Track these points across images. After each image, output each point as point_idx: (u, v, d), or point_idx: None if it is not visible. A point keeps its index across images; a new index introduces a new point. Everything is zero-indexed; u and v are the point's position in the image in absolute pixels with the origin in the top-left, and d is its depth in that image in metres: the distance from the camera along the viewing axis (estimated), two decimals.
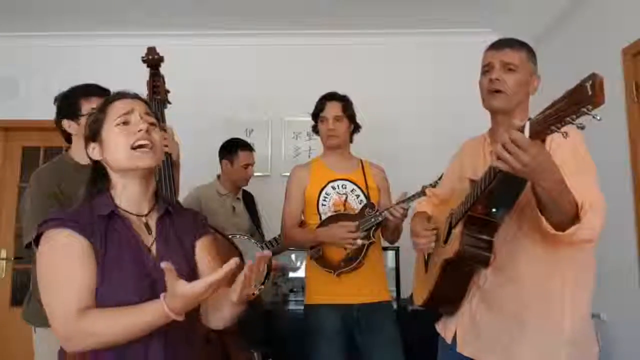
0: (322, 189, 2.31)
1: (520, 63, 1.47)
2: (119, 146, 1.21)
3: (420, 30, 3.74)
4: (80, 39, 3.79)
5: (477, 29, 3.57)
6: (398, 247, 2.90)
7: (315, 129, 2.42)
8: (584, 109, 0.89)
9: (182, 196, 2.42)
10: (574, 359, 1.38)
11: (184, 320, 1.10)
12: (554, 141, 1.25)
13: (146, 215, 1.27)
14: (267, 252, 1.18)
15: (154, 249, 1.24)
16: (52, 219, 1.17)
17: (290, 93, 3.74)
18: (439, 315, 1.65)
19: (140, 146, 1.20)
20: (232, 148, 2.99)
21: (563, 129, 0.95)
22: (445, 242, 1.51)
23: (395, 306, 2.81)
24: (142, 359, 1.14)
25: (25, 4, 3.37)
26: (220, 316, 1.29)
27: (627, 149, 2.43)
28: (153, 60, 2.07)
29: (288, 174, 3.70)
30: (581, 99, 0.89)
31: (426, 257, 1.69)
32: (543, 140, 1.06)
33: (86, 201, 1.25)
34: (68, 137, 1.91)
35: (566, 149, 1.27)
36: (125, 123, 1.22)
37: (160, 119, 2.00)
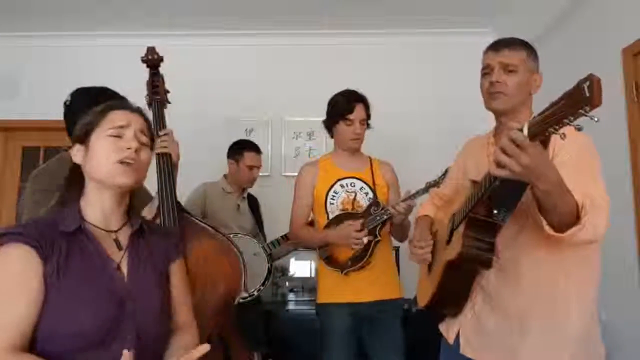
0: (331, 188, 2.31)
1: (519, 63, 1.46)
2: (103, 158, 1.16)
3: (421, 30, 3.74)
4: (80, 39, 3.79)
5: (477, 29, 3.57)
6: (398, 247, 2.90)
7: (329, 127, 2.37)
8: (582, 110, 0.89)
9: (180, 192, 2.42)
10: (579, 359, 1.37)
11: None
12: (558, 141, 1.25)
13: (116, 231, 1.20)
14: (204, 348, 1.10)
15: (123, 266, 1.16)
16: (11, 233, 1.07)
17: (290, 93, 3.75)
18: (442, 316, 1.64)
19: (125, 163, 1.16)
20: (239, 148, 2.99)
21: (561, 130, 0.95)
22: (448, 243, 1.50)
23: None
24: None
25: (25, 4, 3.37)
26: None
27: (627, 149, 2.43)
28: (153, 60, 2.06)
29: (288, 174, 3.76)
30: (579, 100, 0.89)
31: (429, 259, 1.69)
32: (545, 142, 1.06)
33: (53, 211, 1.18)
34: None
35: (572, 149, 1.27)
36: (118, 136, 1.18)
37: (160, 120, 1.99)
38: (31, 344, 1.02)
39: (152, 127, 1.97)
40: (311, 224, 2.41)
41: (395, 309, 2.28)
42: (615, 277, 2.49)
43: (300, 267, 3.47)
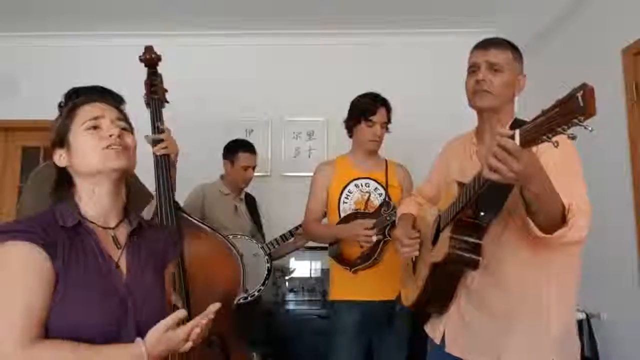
0: (345, 187, 2.36)
1: (506, 63, 1.48)
2: (89, 148, 1.14)
3: (421, 30, 3.73)
4: (80, 39, 3.79)
5: (477, 29, 3.55)
6: None
7: (350, 127, 2.40)
8: (576, 120, 0.89)
9: (180, 192, 2.42)
10: (562, 357, 1.40)
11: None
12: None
13: (114, 228, 1.18)
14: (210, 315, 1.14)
15: (122, 264, 1.14)
16: (6, 231, 1.04)
17: (290, 93, 3.74)
18: (427, 317, 1.66)
19: (112, 148, 1.14)
20: (234, 148, 2.99)
21: (554, 139, 0.96)
22: (433, 244, 1.52)
23: None
24: None
25: (25, 4, 3.37)
26: None
27: (627, 149, 2.43)
28: (151, 60, 2.06)
29: (288, 174, 3.76)
30: (573, 110, 0.89)
31: (413, 258, 1.70)
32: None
33: (49, 210, 1.15)
34: None
35: (555, 151, 1.28)
36: (96, 127, 1.15)
37: (158, 118, 1.99)
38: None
39: (151, 126, 1.98)
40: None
41: (403, 309, 2.30)
42: (615, 277, 2.49)
43: (300, 267, 3.47)
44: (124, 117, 1.24)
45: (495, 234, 1.41)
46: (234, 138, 3.11)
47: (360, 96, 2.41)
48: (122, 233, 1.19)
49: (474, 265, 1.37)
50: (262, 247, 2.82)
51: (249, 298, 2.68)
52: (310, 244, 2.86)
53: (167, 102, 2.09)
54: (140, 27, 3.57)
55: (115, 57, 3.58)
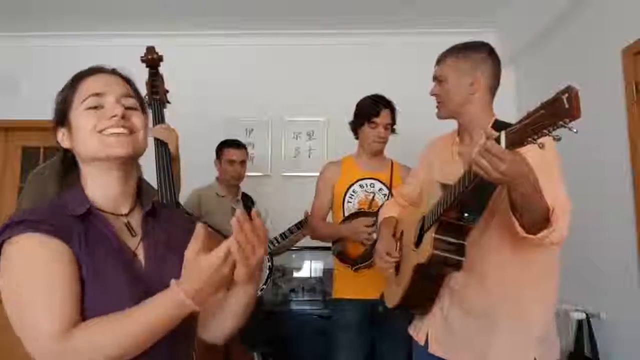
0: (350, 187, 2.40)
1: (446, 73, 1.56)
2: (87, 134, 0.99)
3: (420, 30, 3.73)
4: (80, 39, 3.78)
5: (477, 29, 3.56)
6: None
7: (354, 128, 2.44)
8: (561, 122, 0.91)
9: (184, 193, 2.42)
10: (543, 356, 1.41)
11: (188, 327, 0.97)
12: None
13: (127, 214, 1.05)
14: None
15: (140, 253, 1.02)
16: (16, 222, 0.92)
17: (290, 93, 3.74)
18: (411, 318, 1.68)
19: (114, 134, 0.99)
20: (219, 147, 3.01)
21: (540, 141, 0.97)
22: (417, 245, 1.52)
23: None
24: None
25: (25, 4, 3.37)
26: (221, 326, 1.09)
27: (627, 149, 2.43)
28: (152, 60, 2.07)
29: (288, 174, 3.76)
30: (558, 112, 0.90)
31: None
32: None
33: (55, 198, 1.04)
34: None
35: (534, 152, 1.30)
36: (97, 107, 1.01)
37: (159, 119, 2.00)
38: None
39: (153, 126, 1.98)
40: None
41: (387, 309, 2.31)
42: (615, 277, 2.49)
43: (301, 267, 3.47)
44: (134, 93, 1.09)
45: (476, 235, 1.43)
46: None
47: (364, 98, 2.45)
48: (136, 220, 1.06)
49: (458, 266, 1.39)
50: None
51: None
52: (311, 243, 2.86)
53: (169, 102, 2.10)
54: (141, 27, 3.58)
55: (115, 57, 3.52)
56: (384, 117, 2.37)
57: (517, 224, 1.25)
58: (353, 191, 2.38)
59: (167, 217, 1.13)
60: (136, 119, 1.04)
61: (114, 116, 0.99)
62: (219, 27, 3.68)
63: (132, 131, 1.01)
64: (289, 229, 2.85)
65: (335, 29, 3.72)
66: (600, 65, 2.62)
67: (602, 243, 2.58)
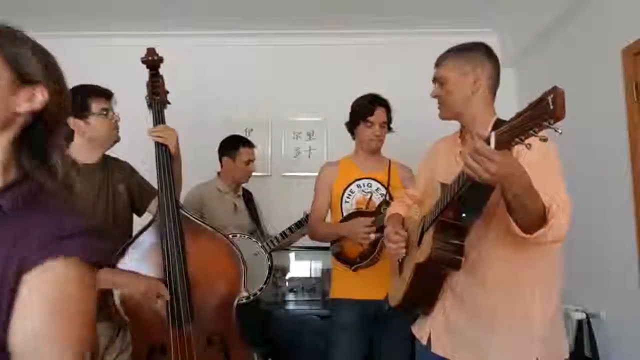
0: (347, 187, 2.39)
1: (446, 74, 1.56)
2: None
3: (421, 30, 3.73)
4: (80, 39, 3.78)
5: (477, 29, 3.56)
6: None
7: (351, 128, 2.44)
8: (546, 123, 0.92)
9: (184, 192, 2.43)
10: (546, 356, 1.41)
11: None
12: None
13: None
14: None
15: None
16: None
17: (290, 93, 3.75)
18: (414, 318, 1.68)
19: None
20: (234, 144, 2.98)
21: (527, 141, 0.99)
22: (419, 245, 1.54)
23: None
24: None
25: (25, 4, 3.37)
26: None
27: (627, 149, 2.43)
28: (152, 61, 2.07)
29: (288, 174, 3.76)
30: (543, 113, 0.92)
31: (400, 258, 1.72)
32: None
33: None
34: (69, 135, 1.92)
35: (534, 151, 1.31)
36: None
37: (160, 119, 2.01)
38: None
39: (153, 127, 1.99)
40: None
41: (391, 309, 2.31)
42: (615, 276, 2.49)
43: (300, 267, 3.47)
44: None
45: (478, 234, 1.43)
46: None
47: (359, 98, 2.45)
48: None
49: (457, 265, 1.39)
50: (263, 245, 2.82)
51: (251, 297, 2.67)
52: (311, 243, 2.86)
53: (169, 103, 2.10)
54: (141, 27, 3.57)
55: (115, 57, 3.58)
56: (379, 115, 2.37)
57: (513, 224, 1.25)
58: (350, 191, 2.38)
59: (18, 221, 0.77)
60: None
61: None
62: (219, 27, 3.68)
63: None
64: (288, 228, 2.85)
65: (335, 29, 3.72)
66: (600, 65, 2.63)
67: (602, 243, 2.58)
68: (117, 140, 1.99)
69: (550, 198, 1.24)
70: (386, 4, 3.37)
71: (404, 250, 1.63)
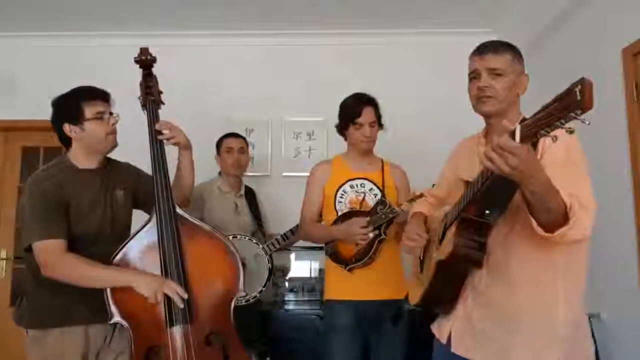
0: (340, 187, 2.35)
1: (506, 66, 1.47)
2: None
3: (420, 30, 3.73)
4: (80, 39, 3.78)
5: (477, 29, 3.56)
6: None
7: (341, 130, 2.39)
8: (573, 114, 0.90)
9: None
10: (568, 357, 1.39)
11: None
12: (546, 140, 1.26)
13: None
14: None
15: None
16: None
17: (290, 93, 3.75)
18: (434, 316, 1.66)
19: None
20: (218, 140, 3.03)
21: (553, 133, 0.96)
22: (441, 242, 1.51)
23: None
24: None
25: (25, 4, 3.37)
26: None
27: (627, 149, 2.43)
28: (146, 61, 2.06)
29: (288, 174, 3.76)
30: (570, 104, 0.90)
31: (421, 257, 1.70)
32: (535, 142, 1.07)
33: None
34: (65, 141, 1.90)
35: (560, 148, 1.28)
36: None
37: (155, 120, 2.00)
38: None
39: (148, 127, 1.99)
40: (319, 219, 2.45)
41: (399, 309, 2.30)
42: (616, 277, 2.49)
43: (300, 267, 3.47)
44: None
45: (502, 233, 1.40)
46: None
47: (345, 99, 2.38)
48: None
49: (479, 263, 1.37)
50: (263, 247, 2.81)
51: (251, 300, 2.66)
52: (311, 244, 2.86)
53: (163, 103, 2.09)
54: (141, 27, 3.58)
55: (115, 57, 3.57)
56: (366, 115, 2.29)
57: (534, 222, 1.23)
58: (343, 191, 2.34)
59: None
60: None
61: None
62: (219, 28, 3.68)
63: None
64: (290, 230, 2.84)
65: (336, 29, 3.72)
66: (600, 65, 2.62)
67: (602, 243, 2.57)
68: (115, 145, 1.93)
69: (571, 196, 1.21)
70: (385, 4, 3.37)
71: (418, 251, 1.61)
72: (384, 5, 3.39)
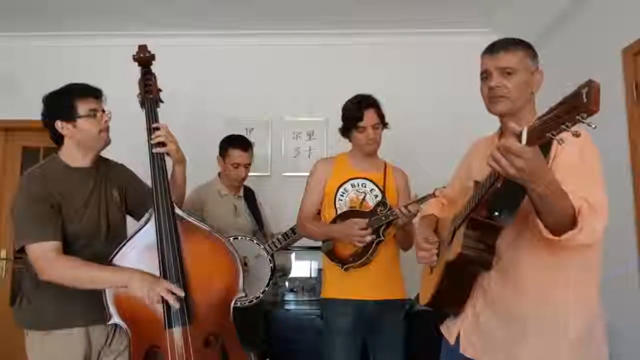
0: (341, 185, 2.35)
1: (517, 65, 1.44)
2: None
3: (420, 30, 3.73)
4: (80, 39, 3.79)
5: (477, 29, 3.56)
6: None
7: (345, 133, 2.37)
8: (579, 117, 0.88)
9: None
10: None
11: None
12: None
13: None
14: None
15: None
16: None
17: (290, 93, 3.75)
18: (443, 318, 1.65)
19: None
20: (225, 144, 2.92)
21: (559, 136, 0.95)
22: (450, 244, 1.50)
23: None
24: None
25: (25, 4, 3.37)
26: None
27: (627, 149, 2.43)
28: (144, 59, 2.04)
29: (288, 174, 3.76)
30: (576, 106, 0.88)
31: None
32: (546, 145, 1.05)
33: None
34: (57, 139, 1.88)
35: (573, 151, 1.26)
36: None
37: (153, 118, 1.98)
38: None
39: (147, 125, 1.97)
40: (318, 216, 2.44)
41: (396, 309, 2.30)
42: (616, 278, 2.48)
43: (300, 267, 3.46)
44: None
45: (512, 235, 1.39)
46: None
47: (347, 102, 2.36)
48: None
49: (487, 265, 1.35)
50: (265, 247, 2.80)
51: (254, 300, 2.65)
52: (312, 243, 2.86)
53: (162, 101, 2.07)
54: (141, 27, 3.57)
55: (115, 57, 3.55)
56: (369, 118, 2.27)
57: (541, 225, 1.21)
58: (344, 189, 2.34)
59: None
60: None
61: None
62: (219, 28, 3.68)
63: None
64: (291, 229, 2.83)
65: (335, 29, 3.72)
66: (600, 65, 2.62)
67: (602, 243, 2.57)
68: (108, 143, 1.90)
69: (582, 199, 1.19)
70: (385, 4, 3.37)
71: (435, 258, 1.58)
72: (383, 5, 3.38)
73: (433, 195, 2.07)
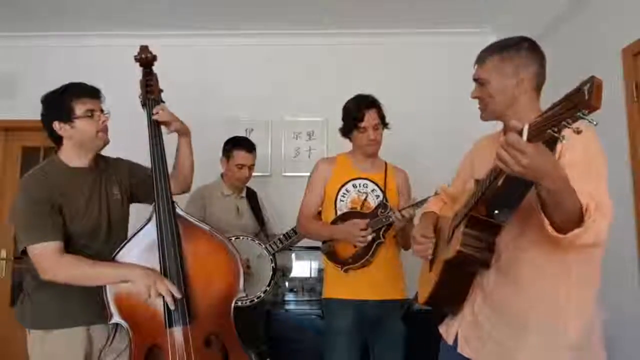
0: (343, 186, 2.34)
1: (488, 75, 1.46)
2: None
3: (420, 30, 3.73)
4: (80, 39, 3.79)
5: (477, 29, 3.57)
6: None
7: (345, 133, 2.37)
8: (579, 113, 0.88)
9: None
10: None
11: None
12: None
13: None
14: None
15: None
16: None
17: (290, 93, 3.75)
18: (441, 318, 1.64)
19: None
20: (230, 145, 2.95)
21: (561, 133, 0.94)
22: (449, 241, 1.50)
23: None
24: None
25: (25, 4, 3.37)
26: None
27: (627, 149, 2.43)
28: (146, 59, 2.04)
29: (288, 174, 3.76)
30: (577, 103, 0.88)
31: (431, 255, 1.69)
32: (551, 142, 1.05)
33: None
34: (56, 139, 1.88)
35: (577, 150, 1.25)
36: None
37: (155, 120, 1.99)
38: None
39: (148, 125, 1.98)
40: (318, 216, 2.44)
41: (396, 310, 2.30)
42: (616, 276, 2.48)
43: (300, 267, 3.47)
44: None
45: (512, 234, 1.38)
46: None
47: (348, 102, 2.36)
48: None
49: (485, 263, 1.35)
50: (266, 247, 2.80)
51: (256, 300, 2.66)
52: (312, 243, 2.86)
53: (163, 101, 2.08)
54: (141, 27, 3.58)
55: (115, 57, 3.57)
56: (370, 118, 2.27)
57: (546, 222, 1.20)
58: (346, 190, 2.33)
59: None
60: None
61: None
62: (219, 27, 3.69)
63: None
64: (292, 229, 2.83)
65: (335, 29, 3.72)
66: (600, 66, 2.62)
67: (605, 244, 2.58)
68: (107, 142, 1.90)
69: (588, 198, 1.18)
70: (385, 4, 3.37)
71: (430, 252, 1.59)
72: (384, 5, 3.39)
73: (435, 195, 2.07)
